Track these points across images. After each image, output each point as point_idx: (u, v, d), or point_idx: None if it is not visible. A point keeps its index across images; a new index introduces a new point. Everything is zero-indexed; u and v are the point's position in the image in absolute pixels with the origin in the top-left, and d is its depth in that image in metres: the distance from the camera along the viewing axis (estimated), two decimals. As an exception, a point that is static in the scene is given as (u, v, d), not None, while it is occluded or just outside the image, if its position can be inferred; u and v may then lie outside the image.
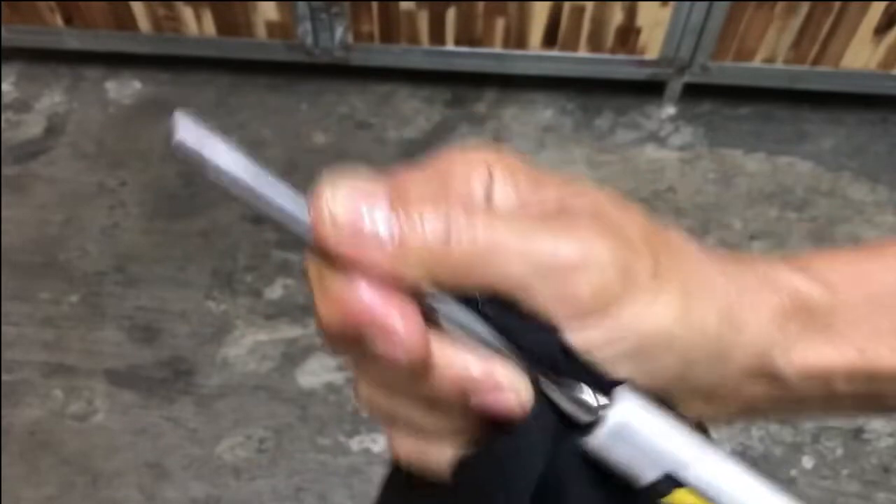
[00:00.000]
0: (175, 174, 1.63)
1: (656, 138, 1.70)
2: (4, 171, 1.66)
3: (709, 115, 1.73)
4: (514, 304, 0.25)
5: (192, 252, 1.55)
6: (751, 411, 0.30)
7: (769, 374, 0.28)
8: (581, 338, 0.25)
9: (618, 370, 0.26)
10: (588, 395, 0.26)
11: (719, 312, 0.27)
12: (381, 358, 0.24)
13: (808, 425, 1.36)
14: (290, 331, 1.46)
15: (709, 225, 1.58)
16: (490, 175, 0.26)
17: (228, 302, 1.49)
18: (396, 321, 0.24)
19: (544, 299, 0.24)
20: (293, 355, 1.43)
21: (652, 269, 0.25)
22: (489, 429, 0.27)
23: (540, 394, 0.26)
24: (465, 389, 0.25)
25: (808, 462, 1.32)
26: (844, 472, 1.32)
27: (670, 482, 0.26)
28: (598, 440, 0.26)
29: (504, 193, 0.26)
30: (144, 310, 1.49)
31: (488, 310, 0.25)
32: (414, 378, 0.25)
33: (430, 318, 0.25)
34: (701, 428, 0.29)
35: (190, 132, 0.23)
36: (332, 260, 0.24)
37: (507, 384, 0.25)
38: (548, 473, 0.26)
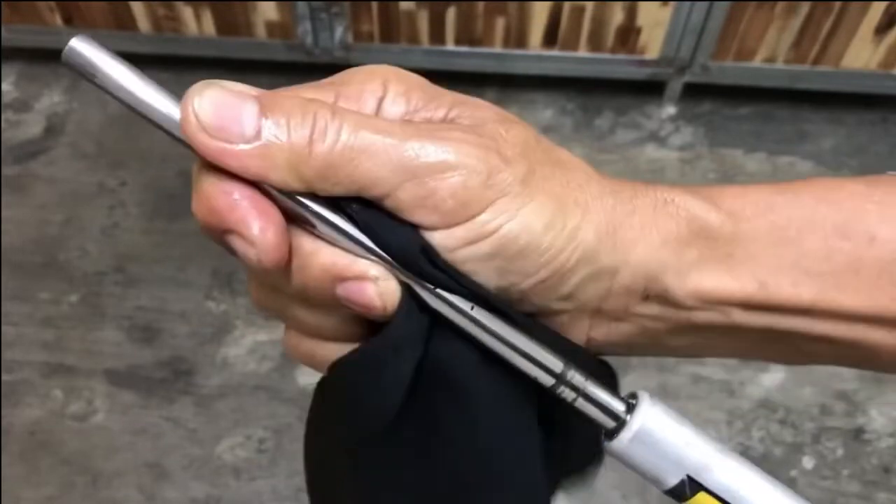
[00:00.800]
0: (175, 174, 1.63)
1: (656, 138, 1.70)
2: (4, 171, 1.66)
3: (709, 115, 1.73)
4: (379, 205, 0.26)
5: (192, 252, 1.55)
6: (650, 336, 0.30)
7: (661, 297, 0.28)
8: (441, 237, 0.26)
9: (479, 272, 0.26)
10: (615, 402, 0.27)
11: (598, 228, 0.27)
12: (239, 257, 0.25)
13: (809, 425, 1.36)
14: (290, 331, 1.46)
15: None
16: (385, 89, 0.27)
17: (228, 302, 1.49)
18: (253, 226, 0.25)
19: (407, 201, 0.25)
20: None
21: (523, 178, 0.26)
22: (370, 333, 0.28)
23: (411, 295, 0.26)
24: (331, 280, 0.26)
25: (808, 462, 1.32)
26: (845, 472, 1.32)
27: (692, 486, 0.27)
28: (622, 445, 0.27)
29: (395, 107, 0.27)
30: (144, 310, 1.49)
31: (353, 211, 0.26)
32: (283, 276, 0.26)
33: (300, 218, 0.26)
34: (599, 362, 0.29)
35: (82, 45, 0.25)
36: (205, 158, 0.25)
37: (368, 276, 0.26)
38: (424, 367, 0.27)
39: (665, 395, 1.37)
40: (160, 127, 0.26)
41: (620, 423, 0.27)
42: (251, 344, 1.45)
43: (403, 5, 1.56)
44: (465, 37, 1.62)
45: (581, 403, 0.27)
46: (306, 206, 0.26)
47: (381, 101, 0.27)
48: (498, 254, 0.26)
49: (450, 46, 1.64)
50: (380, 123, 0.26)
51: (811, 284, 0.28)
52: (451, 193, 0.25)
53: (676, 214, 0.28)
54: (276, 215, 0.25)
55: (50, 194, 1.63)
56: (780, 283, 0.28)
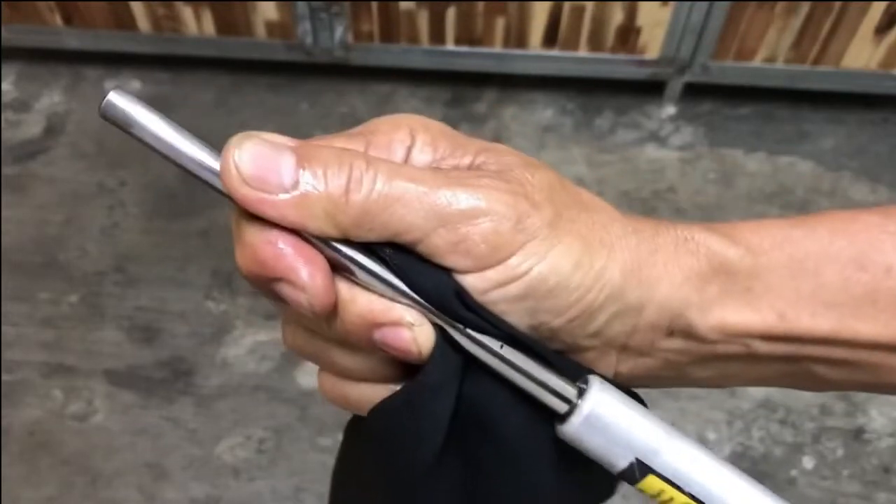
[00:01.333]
0: (175, 174, 1.63)
1: (656, 138, 1.70)
2: (4, 171, 1.66)
3: (709, 115, 1.73)
4: (412, 250, 0.27)
5: (192, 252, 1.55)
6: (674, 369, 0.31)
7: (684, 332, 0.29)
8: (473, 280, 0.27)
9: (510, 312, 0.27)
10: (563, 385, 0.28)
11: (624, 266, 0.28)
12: (290, 303, 0.26)
13: (809, 425, 1.36)
14: (289, 331, 1.46)
15: (709, 225, 1.57)
16: (412, 138, 0.28)
17: (228, 302, 1.49)
18: (302, 273, 0.26)
19: (440, 246, 0.26)
20: (293, 355, 1.43)
21: (551, 222, 0.27)
22: (403, 375, 0.29)
23: (445, 338, 0.27)
24: (368, 327, 0.27)
25: (808, 462, 1.32)
26: (845, 472, 1.32)
27: (641, 468, 0.28)
28: (573, 429, 0.28)
29: (423, 155, 0.28)
30: (144, 310, 1.49)
31: (387, 255, 0.26)
32: (324, 320, 0.27)
33: (338, 264, 0.27)
34: (629, 392, 0.30)
35: (118, 98, 0.26)
36: (245, 209, 0.26)
37: (404, 322, 0.27)
38: (459, 410, 0.28)
39: (666, 396, 1.37)
40: (198, 178, 0.26)
41: (572, 408, 0.28)
42: (251, 344, 1.45)
43: (403, 5, 1.56)
44: (465, 37, 1.62)
45: (532, 388, 0.28)
46: (343, 253, 0.26)
47: (409, 149, 0.28)
48: (529, 295, 0.27)
49: (450, 46, 1.64)
50: (412, 172, 0.26)
51: (829, 315, 0.29)
52: (482, 238, 0.26)
53: (697, 251, 0.29)
54: (321, 261, 0.26)
55: (50, 194, 1.63)
56: (800, 315, 0.29)
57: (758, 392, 1.38)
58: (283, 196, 0.25)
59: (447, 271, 0.27)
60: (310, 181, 0.25)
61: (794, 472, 1.32)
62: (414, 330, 0.27)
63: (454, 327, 0.27)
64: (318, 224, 0.26)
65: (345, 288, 0.27)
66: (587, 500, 0.32)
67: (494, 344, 0.27)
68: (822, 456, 1.33)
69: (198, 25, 1.65)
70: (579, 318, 0.28)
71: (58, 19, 1.68)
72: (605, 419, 0.27)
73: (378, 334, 0.27)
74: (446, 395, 0.28)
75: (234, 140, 0.26)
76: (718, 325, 0.29)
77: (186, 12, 1.63)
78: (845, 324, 0.29)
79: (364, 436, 0.31)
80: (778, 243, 0.29)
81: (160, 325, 1.47)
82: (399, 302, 0.27)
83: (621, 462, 0.28)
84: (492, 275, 0.26)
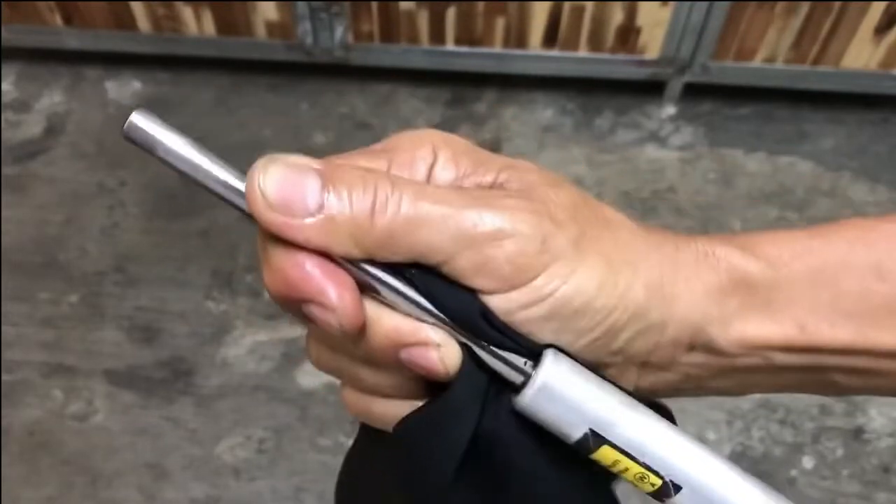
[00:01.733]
0: (175, 174, 1.63)
1: (656, 138, 1.70)
2: (4, 171, 1.66)
3: (709, 115, 1.73)
4: (439, 272, 0.27)
5: (192, 252, 1.55)
6: (694, 382, 0.31)
7: (706, 347, 0.29)
8: (499, 301, 0.27)
9: (536, 332, 0.27)
10: (517, 357, 0.28)
11: (647, 284, 0.28)
12: (320, 325, 0.26)
13: (809, 425, 1.36)
14: (290, 331, 1.46)
15: (709, 225, 1.57)
16: (434, 155, 0.28)
17: (228, 302, 1.49)
18: (331, 294, 0.26)
19: (466, 268, 0.26)
20: (293, 355, 1.43)
21: (575, 241, 0.27)
22: (427, 391, 0.29)
23: (471, 356, 0.27)
24: (394, 346, 0.27)
25: (808, 462, 1.32)
26: (845, 472, 1.32)
27: (595, 439, 0.28)
28: (527, 399, 0.28)
29: (445, 172, 0.28)
30: (144, 310, 1.49)
31: (412, 276, 0.27)
32: (351, 339, 0.27)
33: (364, 284, 0.27)
34: (655, 404, 0.30)
35: (141, 119, 0.26)
36: (271, 232, 0.26)
37: (431, 342, 0.27)
38: (482, 431, 0.28)
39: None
40: (223, 198, 0.27)
41: (527, 378, 0.28)
42: (251, 344, 1.45)
43: (403, 5, 1.56)
44: (465, 37, 1.62)
45: (489, 359, 0.28)
46: (370, 273, 0.27)
47: (431, 167, 0.28)
48: (554, 316, 0.27)
49: (450, 46, 1.64)
50: (437, 193, 0.26)
51: (849, 325, 0.29)
52: (507, 260, 0.26)
53: (717, 266, 0.29)
54: (349, 281, 0.26)
55: (50, 194, 1.63)
56: (819, 326, 0.29)
57: (758, 392, 1.38)
58: (308, 220, 0.25)
59: (472, 292, 0.27)
60: (335, 204, 0.25)
61: (793, 472, 1.32)
62: (440, 350, 0.27)
63: (478, 345, 0.27)
64: (343, 247, 0.26)
65: (372, 308, 0.27)
66: None
67: (518, 360, 0.27)
68: (821, 456, 1.33)
69: (198, 25, 1.65)
70: (603, 338, 0.28)
71: (58, 19, 1.68)
72: (560, 390, 0.27)
73: (405, 354, 0.27)
74: (470, 414, 0.28)
75: (260, 164, 0.26)
76: (739, 339, 0.29)
77: (186, 12, 1.63)
78: (864, 333, 0.29)
79: (385, 449, 0.31)
80: (797, 255, 0.29)
81: (160, 325, 1.47)
82: (425, 322, 0.27)
83: (576, 433, 0.28)
84: (517, 296, 0.27)
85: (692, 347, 0.29)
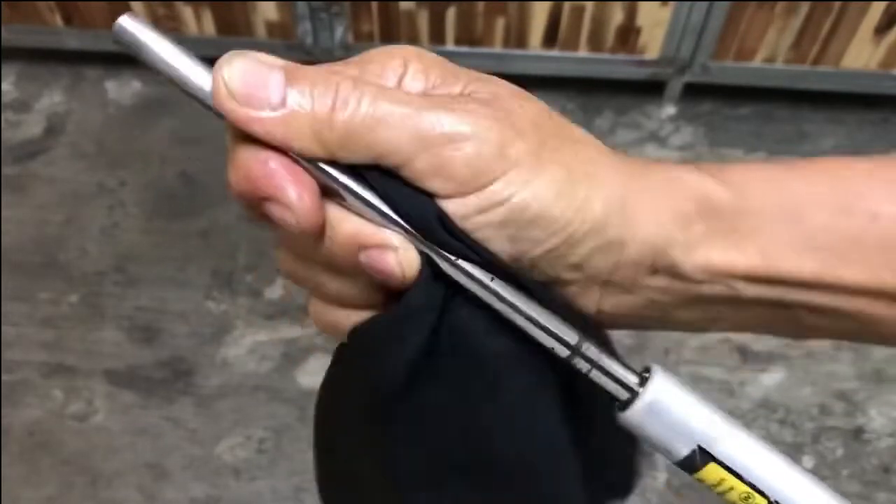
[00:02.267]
0: (175, 174, 1.63)
1: (657, 138, 1.70)
2: (4, 171, 1.66)
3: (709, 115, 1.73)
4: (396, 174, 0.27)
5: (192, 252, 1.55)
6: (659, 309, 0.31)
7: (669, 270, 0.29)
8: (455, 205, 0.27)
9: (491, 239, 0.27)
10: (626, 374, 0.28)
11: (607, 200, 0.28)
12: (279, 223, 0.27)
13: (809, 425, 1.36)
14: (290, 331, 1.46)
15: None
16: (405, 67, 0.29)
17: (228, 302, 1.49)
18: (291, 193, 0.26)
19: (423, 170, 0.26)
20: (293, 355, 1.43)
21: (535, 151, 0.27)
22: (390, 302, 0.29)
23: (430, 265, 0.27)
24: (354, 249, 0.27)
25: (808, 462, 1.32)
26: (845, 472, 1.32)
27: (703, 456, 0.28)
28: (634, 416, 0.28)
29: (415, 83, 0.28)
30: (144, 310, 1.49)
31: (372, 178, 0.27)
32: (313, 242, 0.28)
33: (328, 188, 0.27)
34: (598, 329, 0.30)
35: (129, 23, 0.28)
36: (237, 128, 0.26)
37: (390, 244, 0.27)
38: (442, 336, 0.28)
39: (665, 395, 1.37)
40: (196, 98, 0.27)
41: (633, 395, 0.28)
42: (251, 344, 1.45)
43: (403, 5, 1.56)
44: (465, 37, 1.62)
45: (595, 375, 0.28)
46: (331, 175, 0.27)
47: (401, 77, 0.28)
48: (509, 222, 0.27)
49: (450, 46, 1.64)
50: (398, 94, 0.27)
51: (814, 258, 0.29)
52: (465, 163, 0.26)
53: (685, 191, 0.29)
54: (310, 182, 0.27)
55: (50, 194, 1.63)
56: (784, 257, 0.29)
57: (757, 392, 1.38)
58: (270, 113, 0.26)
59: (430, 196, 0.27)
60: (297, 99, 0.26)
61: (793, 472, 1.32)
62: (399, 253, 0.27)
63: (441, 256, 0.27)
64: (303, 142, 0.26)
65: (334, 210, 0.27)
66: (581, 437, 0.32)
67: (485, 276, 0.27)
68: (821, 456, 1.33)
69: (198, 25, 1.65)
70: (560, 249, 0.28)
71: (58, 19, 1.68)
72: (668, 407, 0.27)
73: (364, 256, 0.27)
74: (425, 321, 0.28)
75: (226, 58, 0.26)
76: (703, 265, 0.29)
77: (186, 12, 1.63)
78: (829, 268, 0.29)
79: (345, 357, 0.31)
80: (767, 185, 0.29)
81: (160, 325, 1.47)
82: (385, 227, 0.27)
83: (683, 450, 0.28)
84: (473, 200, 0.27)
85: (655, 270, 0.29)
